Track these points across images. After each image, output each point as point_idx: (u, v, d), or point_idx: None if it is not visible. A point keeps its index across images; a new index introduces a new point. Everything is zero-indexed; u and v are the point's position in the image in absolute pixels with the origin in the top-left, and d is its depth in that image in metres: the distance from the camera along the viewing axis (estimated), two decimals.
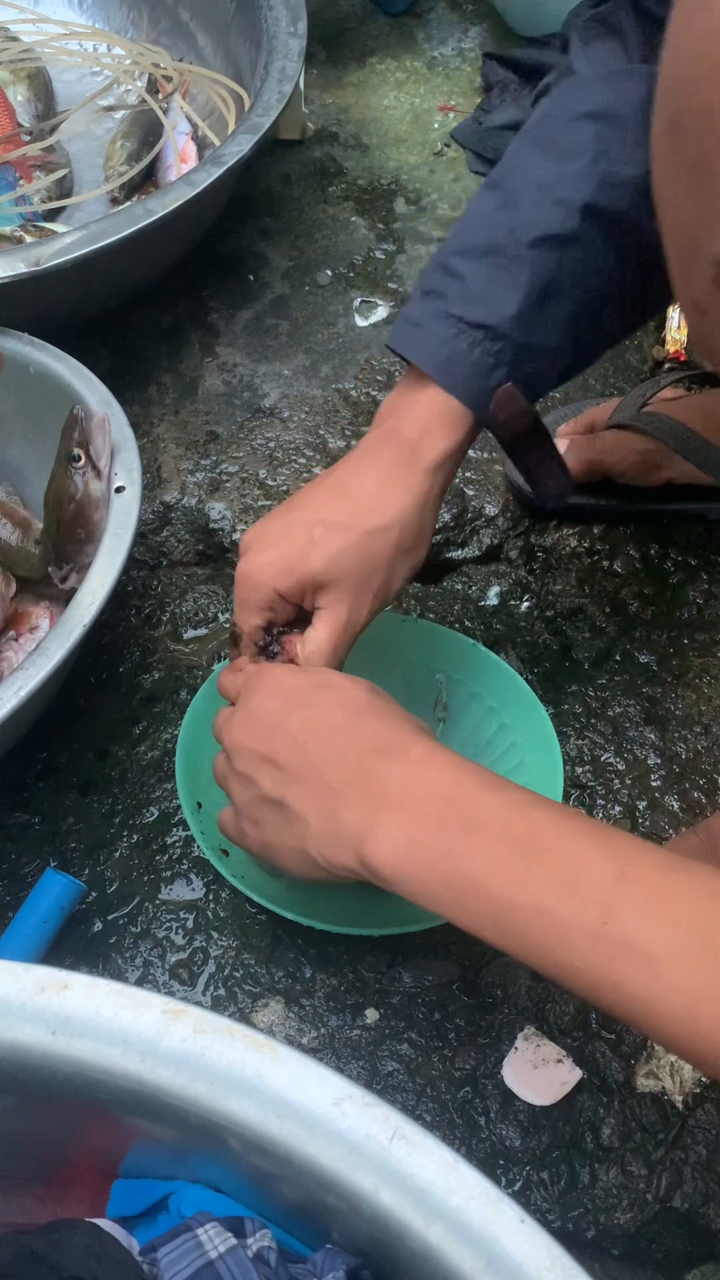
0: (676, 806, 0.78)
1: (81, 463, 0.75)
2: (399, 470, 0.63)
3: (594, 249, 0.62)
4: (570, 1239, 0.63)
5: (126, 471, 0.76)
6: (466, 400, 0.63)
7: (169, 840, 0.77)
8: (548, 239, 0.61)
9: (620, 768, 0.80)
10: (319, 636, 0.62)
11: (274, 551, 0.62)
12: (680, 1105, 0.66)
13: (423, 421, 0.63)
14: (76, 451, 0.75)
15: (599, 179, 0.61)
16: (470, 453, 0.97)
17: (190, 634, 0.88)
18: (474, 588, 0.90)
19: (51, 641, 0.68)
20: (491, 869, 0.47)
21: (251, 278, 1.14)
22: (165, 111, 1.18)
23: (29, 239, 1.06)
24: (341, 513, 0.62)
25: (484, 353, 0.62)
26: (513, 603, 0.89)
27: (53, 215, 1.14)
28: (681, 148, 0.37)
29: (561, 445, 0.89)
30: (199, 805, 0.69)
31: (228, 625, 0.85)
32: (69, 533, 0.76)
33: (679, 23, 0.36)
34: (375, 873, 0.50)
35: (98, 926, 0.73)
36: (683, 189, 0.38)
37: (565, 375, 0.66)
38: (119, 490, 0.75)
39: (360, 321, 1.10)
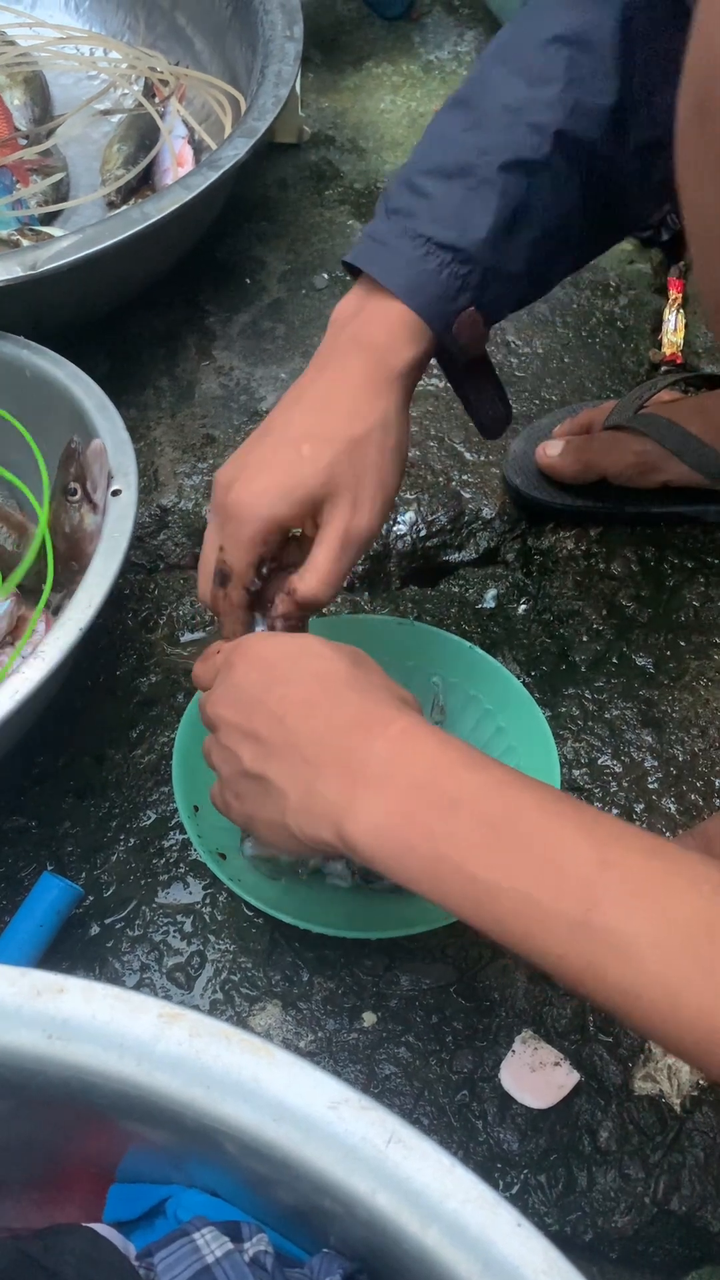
0: (674, 809, 0.78)
1: (77, 496, 0.74)
2: (372, 379, 0.62)
3: (561, 177, 0.61)
4: (568, 1242, 0.63)
5: (123, 475, 0.76)
6: (431, 321, 0.62)
7: (166, 844, 0.76)
8: (519, 164, 0.60)
9: (617, 770, 0.80)
10: (318, 557, 0.61)
11: (266, 477, 0.60)
12: (678, 1108, 0.66)
13: (389, 331, 0.62)
14: (73, 485, 0.75)
15: (571, 106, 0.60)
16: (466, 455, 0.97)
17: (187, 637, 0.88)
18: (471, 590, 0.90)
19: (48, 645, 0.68)
20: (471, 851, 0.46)
21: (248, 281, 1.14)
22: (162, 115, 1.18)
23: (26, 243, 1.06)
24: (324, 426, 0.61)
25: (452, 275, 0.61)
26: (510, 605, 0.89)
27: (49, 219, 1.14)
28: (709, 134, 0.36)
29: (558, 447, 0.89)
30: (196, 809, 0.70)
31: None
32: (63, 563, 0.76)
33: (708, 8, 0.35)
34: (354, 849, 0.50)
35: (94, 930, 0.73)
36: (709, 177, 0.37)
37: (520, 304, 0.66)
38: (115, 493, 0.75)
39: None
